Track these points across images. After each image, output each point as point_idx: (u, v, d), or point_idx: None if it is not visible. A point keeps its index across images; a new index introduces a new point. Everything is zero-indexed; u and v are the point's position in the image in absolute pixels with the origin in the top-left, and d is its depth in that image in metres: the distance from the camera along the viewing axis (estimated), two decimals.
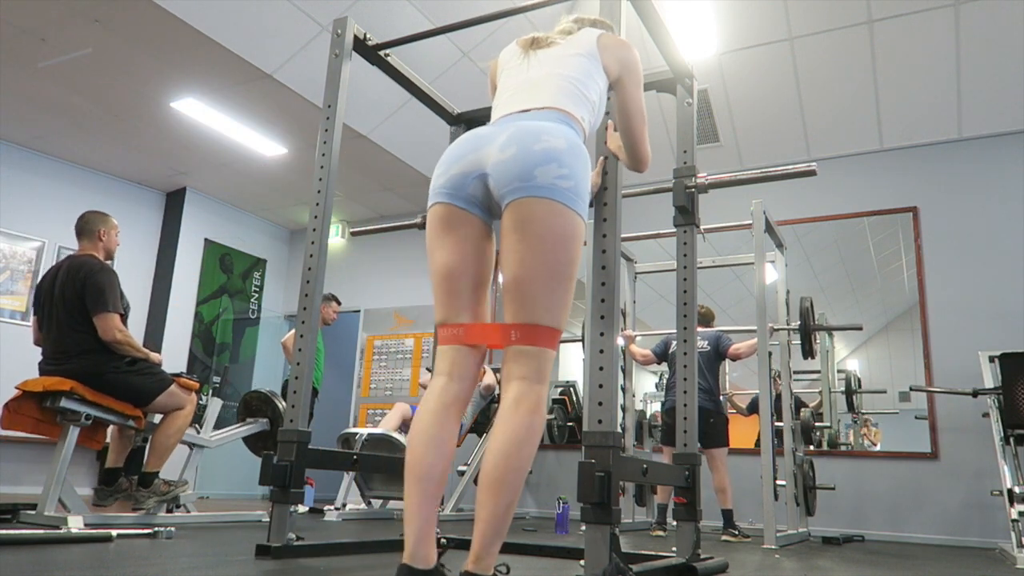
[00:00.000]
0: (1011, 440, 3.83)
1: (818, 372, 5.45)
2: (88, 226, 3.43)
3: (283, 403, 4.18)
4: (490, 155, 1.51)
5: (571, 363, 6.30)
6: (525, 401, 1.43)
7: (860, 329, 4.54)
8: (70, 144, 6.05)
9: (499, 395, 5.13)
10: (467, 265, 1.54)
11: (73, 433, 3.10)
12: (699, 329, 4.90)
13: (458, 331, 1.52)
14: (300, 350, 2.49)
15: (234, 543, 2.80)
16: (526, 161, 1.46)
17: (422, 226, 3.37)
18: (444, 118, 3.28)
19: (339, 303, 5.63)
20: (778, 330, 4.37)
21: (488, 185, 1.51)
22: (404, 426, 4.96)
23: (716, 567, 2.48)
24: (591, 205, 1.99)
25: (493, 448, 1.40)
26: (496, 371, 5.31)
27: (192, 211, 7.07)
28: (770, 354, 4.13)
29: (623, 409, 4.90)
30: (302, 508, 4.75)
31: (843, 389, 5.23)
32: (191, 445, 3.86)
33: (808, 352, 4.29)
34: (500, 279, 1.59)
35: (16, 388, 3.07)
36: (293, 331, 3.92)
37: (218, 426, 4.18)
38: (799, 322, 4.32)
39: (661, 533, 4.33)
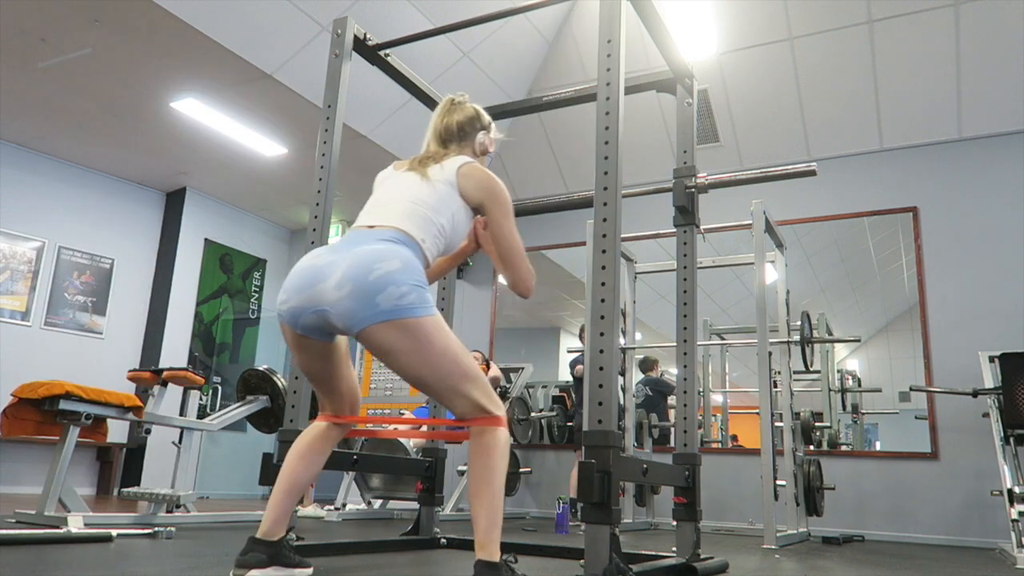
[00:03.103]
0: (1011, 440, 3.83)
1: (818, 372, 5.45)
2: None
3: (282, 380, 4.16)
4: (326, 293, 1.60)
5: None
6: (486, 430, 1.62)
7: (859, 341, 4.52)
8: (70, 144, 6.05)
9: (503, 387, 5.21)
10: (322, 370, 1.78)
11: (73, 432, 3.11)
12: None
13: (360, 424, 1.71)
14: None
15: (234, 543, 2.79)
16: (364, 295, 1.56)
17: None
18: None
19: None
20: (776, 343, 4.36)
21: (329, 319, 1.61)
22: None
23: (716, 567, 2.48)
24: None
25: (472, 465, 1.62)
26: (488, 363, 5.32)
27: (192, 211, 7.07)
28: (770, 354, 4.13)
29: (623, 409, 4.90)
30: (302, 508, 4.75)
31: (845, 410, 5.24)
32: (196, 431, 3.83)
33: (808, 363, 4.31)
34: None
35: (12, 395, 3.07)
36: None
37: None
38: (801, 323, 4.32)
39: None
